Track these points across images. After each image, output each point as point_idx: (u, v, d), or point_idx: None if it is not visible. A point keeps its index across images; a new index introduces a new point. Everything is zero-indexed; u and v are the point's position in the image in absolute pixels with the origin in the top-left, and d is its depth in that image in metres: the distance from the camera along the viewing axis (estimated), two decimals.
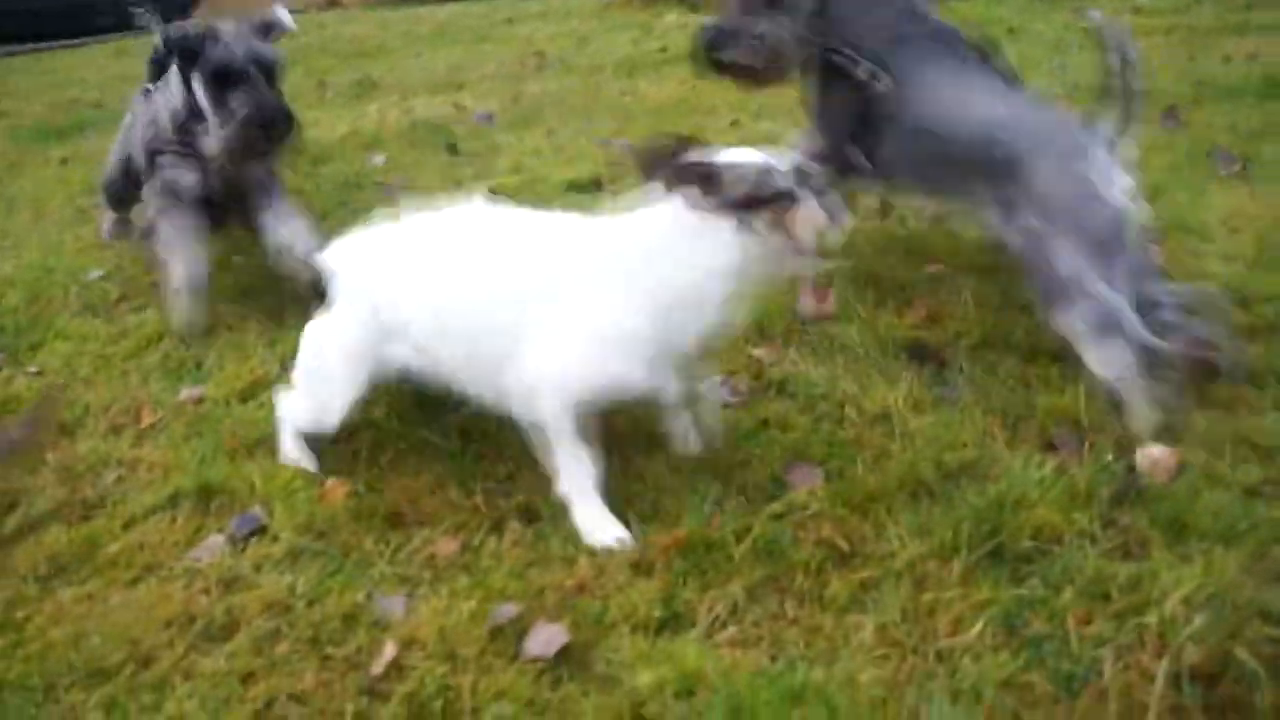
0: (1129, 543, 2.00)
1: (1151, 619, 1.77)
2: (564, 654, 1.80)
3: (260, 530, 2.22)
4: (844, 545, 2.01)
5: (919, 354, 2.75)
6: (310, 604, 1.99)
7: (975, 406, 2.48)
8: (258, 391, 2.81)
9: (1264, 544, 1.96)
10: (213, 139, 3.15)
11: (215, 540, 2.21)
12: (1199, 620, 1.74)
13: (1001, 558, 1.97)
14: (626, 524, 2.10)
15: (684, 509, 2.13)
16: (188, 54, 3.12)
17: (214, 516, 2.30)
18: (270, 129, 3.15)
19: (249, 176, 3.35)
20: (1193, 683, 1.65)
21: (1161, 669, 1.66)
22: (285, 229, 3.35)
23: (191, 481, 2.39)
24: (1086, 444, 2.29)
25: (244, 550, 2.17)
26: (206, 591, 2.05)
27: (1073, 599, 1.84)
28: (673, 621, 1.87)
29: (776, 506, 2.11)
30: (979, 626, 1.78)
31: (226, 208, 3.41)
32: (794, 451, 2.34)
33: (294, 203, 3.50)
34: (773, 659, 1.78)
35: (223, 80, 3.10)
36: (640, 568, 2.00)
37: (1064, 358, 2.53)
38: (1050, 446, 2.32)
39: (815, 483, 2.20)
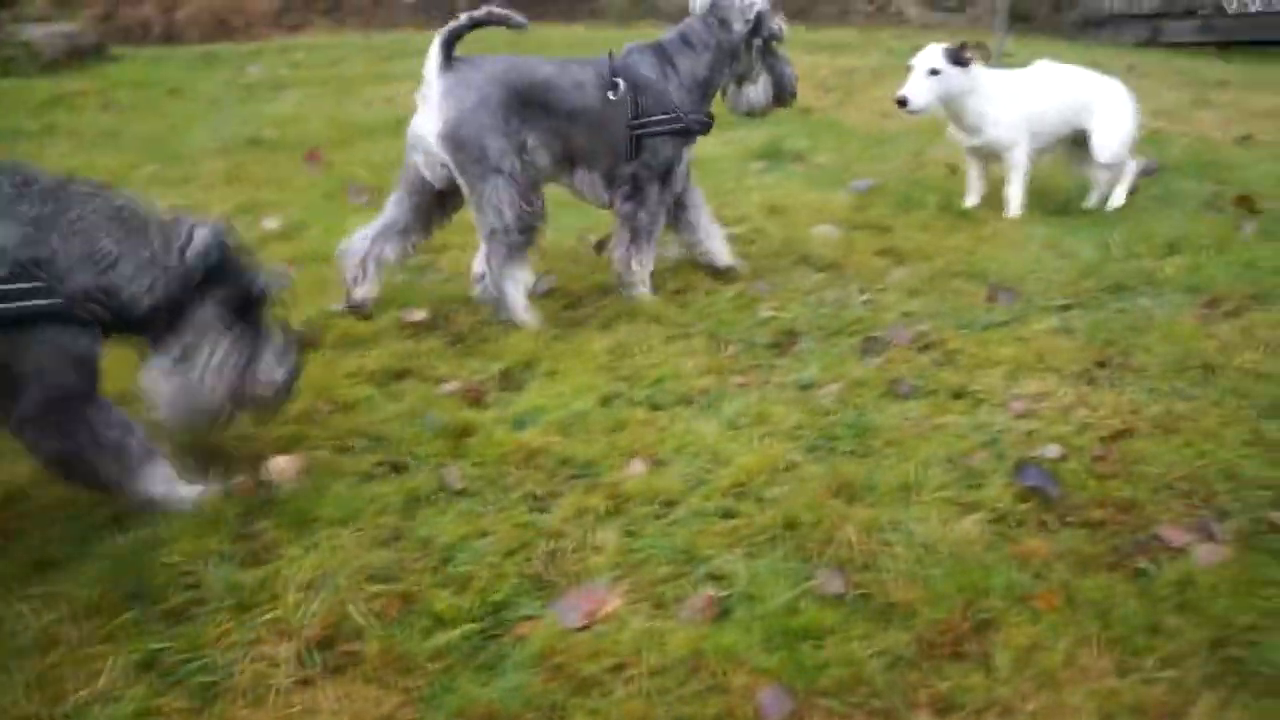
0: (260, 549, 2.14)
1: (279, 610, 1.92)
2: None
3: None
4: None
5: None
6: None
7: None
8: None
9: (376, 516, 2.23)
10: None
11: None
12: (319, 598, 1.94)
13: (145, 599, 1.99)
14: None
15: None
16: None
17: None
18: None
19: None
20: (316, 652, 1.83)
21: (286, 650, 1.82)
22: None
23: None
24: (218, 469, 2.39)
25: None
26: None
27: (210, 616, 1.93)
28: None
29: None
30: (111, 673, 1.79)
31: None
32: None
33: None
34: None
35: None
36: None
37: None
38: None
39: None
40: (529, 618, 1.95)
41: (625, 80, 3.33)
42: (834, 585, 1.95)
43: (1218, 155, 5.86)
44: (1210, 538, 2.13)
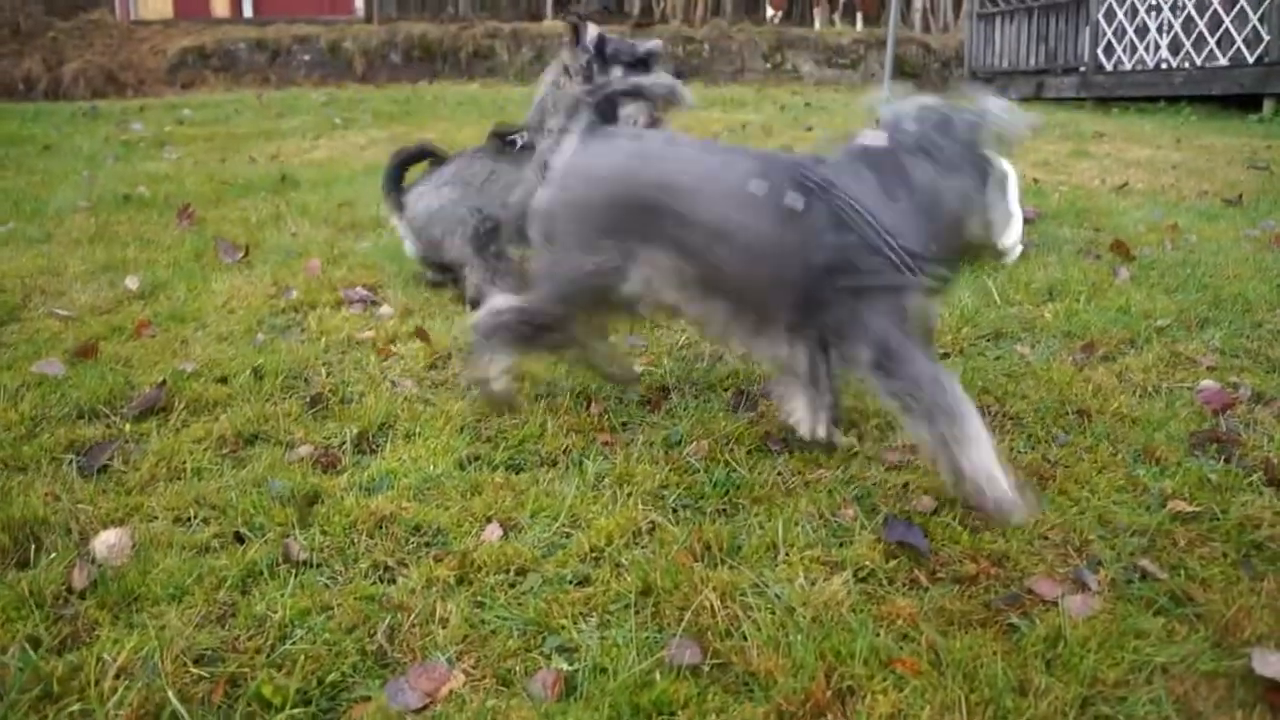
0: (76, 632, 1.95)
1: (87, 702, 1.74)
2: None
3: None
4: None
5: None
6: None
7: None
8: None
9: (209, 592, 2.06)
10: None
11: None
12: (136, 686, 1.76)
13: None
14: None
15: None
16: None
17: None
18: None
19: None
20: None
21: None
22: None
23: None
24: (37, 546, 2.20)
25: None
26: None
27: (8, 711, 1.74)
28: None
29: None
30: None
31: None
32: None
33: None
34: None
35: None
36: None
37: None
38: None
39: None
40: (364, 699, 1.80)
41: None
42: (689, 655, 1.82)
43: (1094, 203, 5.98)
44: (1083, 589, 2.07)
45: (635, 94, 3.02)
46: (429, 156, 4.11)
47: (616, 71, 3.59)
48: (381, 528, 2.33)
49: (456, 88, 13.81)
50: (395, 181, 4.05)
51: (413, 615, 2.01)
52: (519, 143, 3.83)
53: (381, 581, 2.15)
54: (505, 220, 3.78)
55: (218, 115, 10.24)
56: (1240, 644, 1.90)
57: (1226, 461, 2.61)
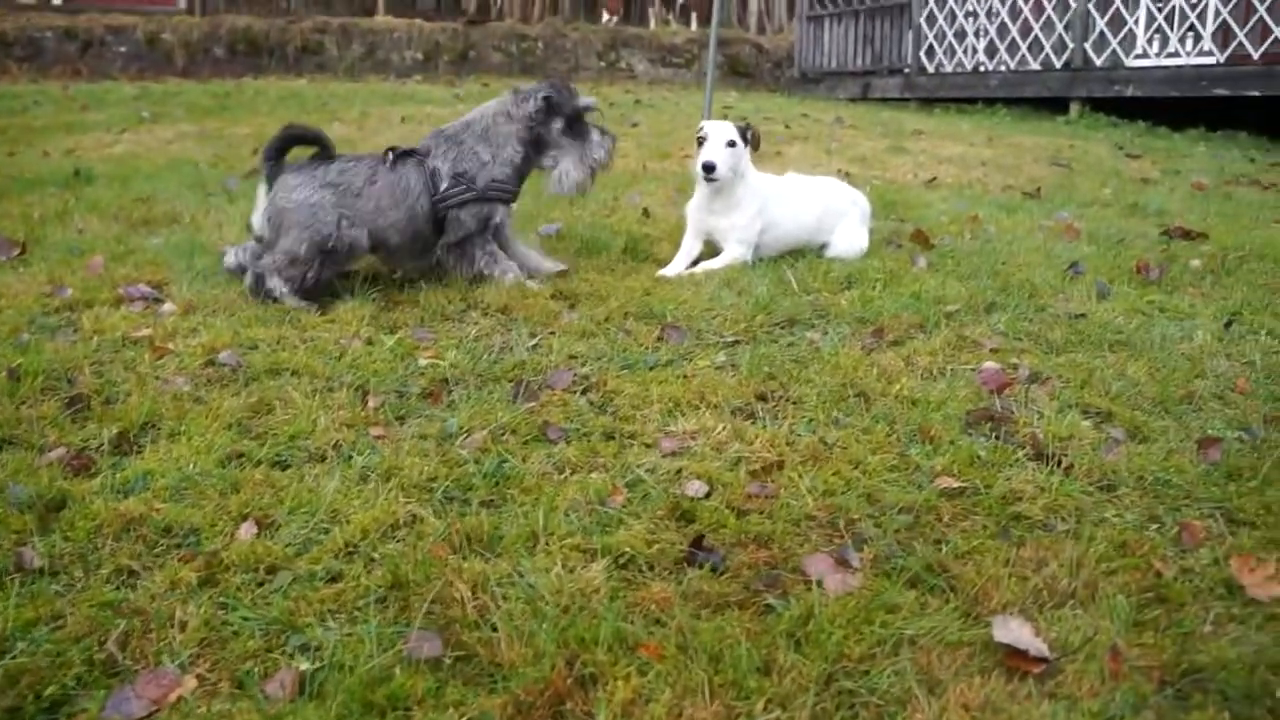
0: None
1: None
2: None
3: None
4: None
5: None
6: None
7: None
8: None
9: None
10: None
11: None
12: None
13: None
14: None
15: None
16: None
17: None
18: None
19: None
20: None
21: None
22: None
23: None
24: None
25: None
26: None
27: None
28: None
29: None
30: None
31: None
32: None
33: None
34: None
35: None
36: None
37: None
38: None
39: None
40: (83, 711, 1.68)
41: None
42: (429, 648, 1.76)
43: (903, 196, 6.15)
44: (845, 567, 2.09)
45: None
46: (319, 146, 3.89)
47: (558, 123, 4.03)
48: (130, 530, 2.19)
49: (283, 83, 13.38)
50: (279, 155, 3.85)
51: (149, 620, 1.89)
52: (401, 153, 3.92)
53: (123, 587, 2.02)
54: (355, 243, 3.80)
55: (14, 107, 9.64)
56: (988, 613, 1.94)
57: (997, 439, 2.69)
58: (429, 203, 3.87)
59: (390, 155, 3.89)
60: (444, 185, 3.87)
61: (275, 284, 3.69)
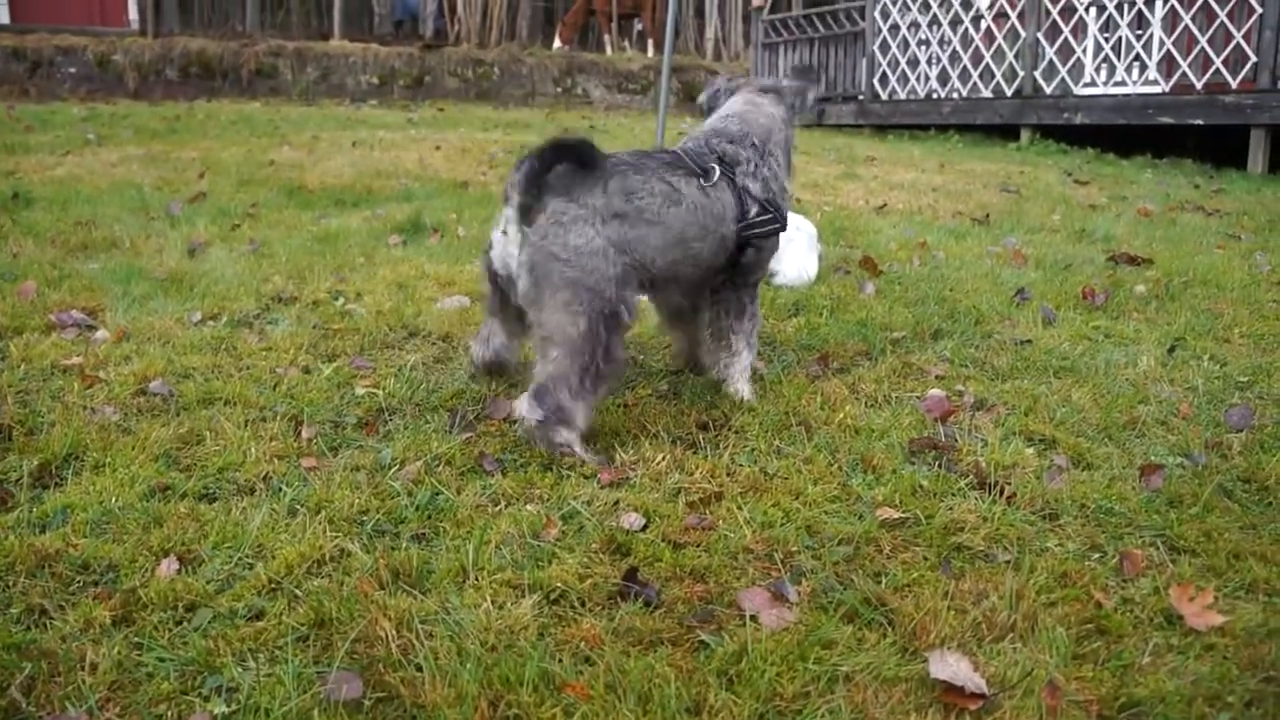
0: None
1: None
2: None
3: None
4: None
5: None
6: None
7: None
8: None
9: None
10: None
11: None
12: None
13: None
14: None
15: None
16: None
17: None
18: None
19: None
20: None
21: None
22: None
23: None
24: None
25: None
26: None
27: None
28: None
29: None
30: None
31: None
32: None
33: None
34: None
35: None
36: None
37: None
38: None
39: None
40: None
41: None
42: (348, 690, 1.70)
43: (854, 223, 6.17)
44: (781, 601, 2.05)
45: None
46: (586, 161, 2.70)
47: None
48: (44, 567, 2.11)
49: (235, 106, 13.25)
50: (538, 180, 2.65)
51: (58, 663, 1.81)
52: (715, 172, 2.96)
53: (34, 627, 1.94)
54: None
55: None
56: (926, 647, 1.91)
57: (940, 468, 2.67)
58: (734, 230, 2.97)
59: (713, 170, 2.94)
60: (753, 211, 2.99)
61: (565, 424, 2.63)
